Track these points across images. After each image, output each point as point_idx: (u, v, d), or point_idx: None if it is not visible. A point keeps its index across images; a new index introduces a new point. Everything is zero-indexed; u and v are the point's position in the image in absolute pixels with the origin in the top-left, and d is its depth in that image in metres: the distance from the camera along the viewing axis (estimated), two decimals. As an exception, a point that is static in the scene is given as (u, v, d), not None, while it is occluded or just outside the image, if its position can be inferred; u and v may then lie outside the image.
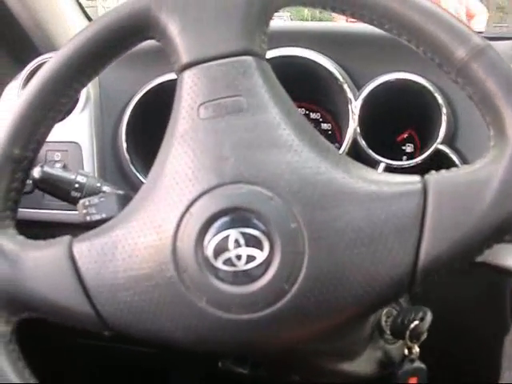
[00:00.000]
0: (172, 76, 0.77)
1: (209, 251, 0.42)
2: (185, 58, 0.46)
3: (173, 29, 0.46)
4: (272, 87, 0.46)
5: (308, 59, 0.79)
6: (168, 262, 0.43)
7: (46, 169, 0.63)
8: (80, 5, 1.04)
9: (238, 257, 0.42)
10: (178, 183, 0.44)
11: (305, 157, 0.43)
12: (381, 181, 0.44)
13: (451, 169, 0.44)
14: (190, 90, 0.45)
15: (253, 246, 0.42)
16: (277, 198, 0.42)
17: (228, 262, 0.42)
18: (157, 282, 0.43)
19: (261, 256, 0.42)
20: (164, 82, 0.80)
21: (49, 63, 0.49)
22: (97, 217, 0.57)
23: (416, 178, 0.43)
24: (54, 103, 0.49)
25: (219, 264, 0.42)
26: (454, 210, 0.42)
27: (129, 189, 0.72)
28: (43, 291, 0.46)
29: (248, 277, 0.42)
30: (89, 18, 1.05)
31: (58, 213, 0.79)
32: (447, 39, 0.43)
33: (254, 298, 0.42)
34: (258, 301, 0.42)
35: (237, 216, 0.42)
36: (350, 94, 0.78)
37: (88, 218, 0.57)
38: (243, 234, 0.42)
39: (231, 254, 0.42)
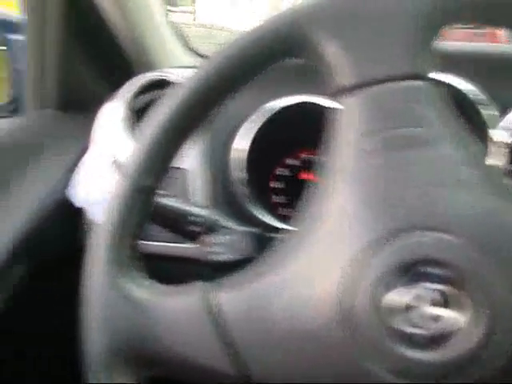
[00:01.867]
0: (293, 100, 0.71)
1: (385, 309, 0.35)
2: (344, 81, 0.40)
3: (328, 48, 0.40)
4: (449, 117, 0.39)
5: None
6: (337, 320, 0.36)
7: (160, 200, 0.58)
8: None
9: (426, 317, 0.35)
10: (342, 227, 0.37)
11: (491, 199, 0.37)
12: None
13: None
14: (352, 118, 0.39)
15: (446, 306, 0.34)
16: (469, 248, 0.35)
17: (411, 322, 0.35)
18: (322, 342, 0.36)
19: (460, 318, 0.34)
20: (286, 107, 0.72)
21: (185, 85, 0.43)
22: (224, 257, 0.51)
23: None
24: (188, 128, 0.44)
25: (400, 325, 0.35)
26: None
27: (239, 222, 0.65)
28: (177, 346, 0.40)
29: (438, 341, 0.35)
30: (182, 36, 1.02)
31: (165, 245, 0.72)
32: None
33: (446, 366, 0.35)
34: (449, 370, 0.35)
35: (421, 268, 0.35)
36: None
37: (214, 258, 0.51)
38: (431, 290, 0.35)
39: (416, 313, 0.35)
